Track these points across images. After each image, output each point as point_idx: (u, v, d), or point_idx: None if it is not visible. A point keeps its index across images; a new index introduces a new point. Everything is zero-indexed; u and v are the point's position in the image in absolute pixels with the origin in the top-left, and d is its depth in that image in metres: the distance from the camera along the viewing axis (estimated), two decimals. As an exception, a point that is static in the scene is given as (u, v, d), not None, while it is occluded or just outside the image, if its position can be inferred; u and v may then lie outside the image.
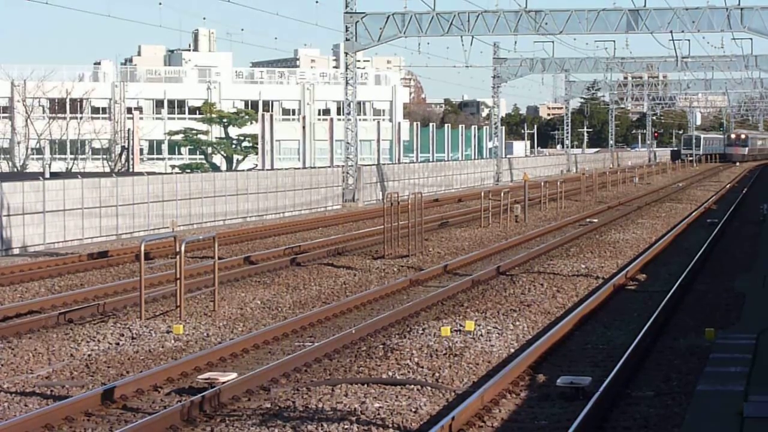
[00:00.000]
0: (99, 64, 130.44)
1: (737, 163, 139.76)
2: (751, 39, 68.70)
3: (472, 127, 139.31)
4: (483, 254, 32.03)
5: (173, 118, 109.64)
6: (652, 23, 56.35)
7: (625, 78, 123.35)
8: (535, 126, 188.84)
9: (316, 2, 60.67)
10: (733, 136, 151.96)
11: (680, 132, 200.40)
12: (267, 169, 61.26)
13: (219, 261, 23.25)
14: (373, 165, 65.56)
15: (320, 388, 15.30)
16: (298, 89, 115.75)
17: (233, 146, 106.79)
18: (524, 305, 22.38)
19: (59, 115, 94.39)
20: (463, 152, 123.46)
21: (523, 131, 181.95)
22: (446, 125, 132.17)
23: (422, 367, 16.54)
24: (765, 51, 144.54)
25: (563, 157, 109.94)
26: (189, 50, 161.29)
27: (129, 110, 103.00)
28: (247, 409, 14.34)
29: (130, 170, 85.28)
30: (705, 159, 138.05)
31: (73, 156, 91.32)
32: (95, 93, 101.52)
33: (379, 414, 13.92)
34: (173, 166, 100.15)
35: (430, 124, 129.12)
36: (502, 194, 44.99)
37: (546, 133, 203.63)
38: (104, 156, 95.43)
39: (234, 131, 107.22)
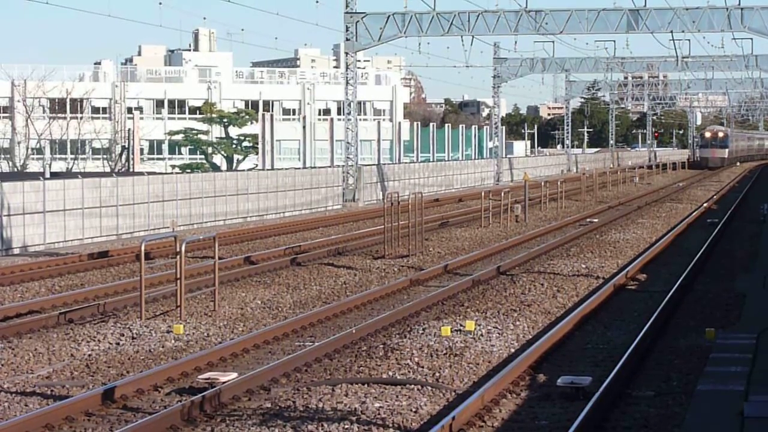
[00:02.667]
0: (99, 64, 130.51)
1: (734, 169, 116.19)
2: (751, 39, 68.72)
3: (473, 127, 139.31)
4: (483, 254, 32.03)
5: (173, 118, 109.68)
6: (652, 23, 56.33)
7: (626, 78, 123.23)
8: (536, 126, 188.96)
9: (317, 2, 60.63)
10: (707, 134, 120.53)
11: (680, 132, 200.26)
12: (267, 169, 61.29)
13: (219, 261, 23.25)
14: (374, 165, 65.55)
15: (320, 387, 15.30)
16: (298, 89, 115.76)
17: (233, 146, 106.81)
18: (524, 305, 22.39)
19: (59, 115, 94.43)
20: (464, 152, 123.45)
21: (523, 131, 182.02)
22: (446, 125, 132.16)
23: (422, 367, 16.54)
24: (765, 51, 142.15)
25: (563, 157, 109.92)
26: (189, 50, 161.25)
27: (129, 110, 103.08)
28: (248, 409, 14.34)
29: (131, 170, 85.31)
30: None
31: (73, 156, 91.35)
32: (95, 93, 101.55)
33: (379, 414, 13.92)
34: (173, 166, 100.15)
35: (431, 124, 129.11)
36: (502, 194, 44.99)
37: (546, 133, 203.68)
38: (104, 156, 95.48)
39: (234, 131, 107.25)
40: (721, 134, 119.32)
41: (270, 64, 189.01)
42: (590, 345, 18.73)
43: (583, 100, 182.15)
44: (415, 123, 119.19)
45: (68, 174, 60.35)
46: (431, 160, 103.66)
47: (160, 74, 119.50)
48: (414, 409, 14.19)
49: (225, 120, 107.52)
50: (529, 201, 47.57)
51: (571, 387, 14.84)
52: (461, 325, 19.52)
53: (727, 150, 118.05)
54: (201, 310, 21.98)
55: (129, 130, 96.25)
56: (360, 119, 67.89)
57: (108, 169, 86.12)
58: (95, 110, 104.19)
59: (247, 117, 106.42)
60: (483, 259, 31.36)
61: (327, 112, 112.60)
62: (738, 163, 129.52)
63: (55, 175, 54.88)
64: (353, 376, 16.08)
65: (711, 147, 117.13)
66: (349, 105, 57.31)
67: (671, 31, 57.37)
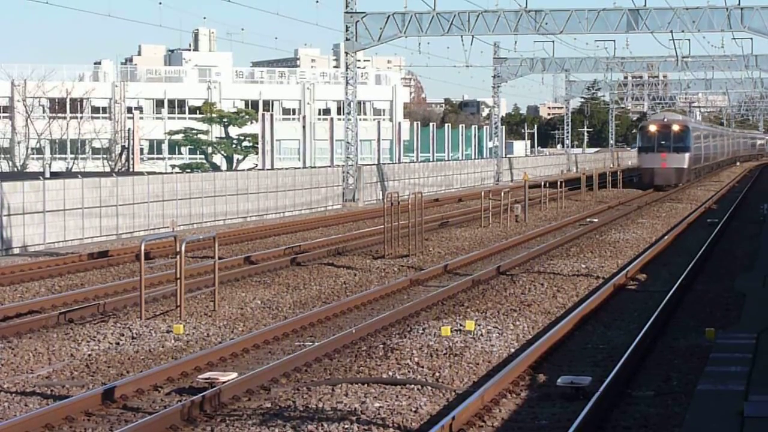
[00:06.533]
0: (99, 63, 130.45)
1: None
2: (751, 39, 68.74)
3: (473, 126, 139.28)
4: (483, 254, 32.03)
5: (173, 118, 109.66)
6: (652, 23, 56.33)
7: (625, 78, 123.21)
8: (535, 126, 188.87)
9: (317, 2, 60.66)
10: (652, 128, 71.10)
11: None
12: (267, 169, 61.26)
13: (219, 261, 23.25)
14: (374, 165, 65.54)
15: (320, 387, 15.30)
16: (298, 89, 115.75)
17: (233, 146, 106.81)
18: (524, 305, 22.39)
19: (59, 114, 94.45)
20: (464, 152, 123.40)
21: (523, 131, 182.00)
22: (446, 125, 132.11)
23: (422, 367, 16.54)
24: (765, 51, 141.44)
25: (563, 157, 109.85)
26: (189, 50, 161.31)
27: (129, 110, 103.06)
28: (248, 409, 14.34)
29: (130, 170, 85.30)
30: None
31: (73, 156, 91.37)
32: (95, 93, 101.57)
33: (379, 414, 13.92)
34: (173, 166, 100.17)
35: (431, 124, 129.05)
36: (502, 194, 44.99)
37: (546, 133, 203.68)
38: (104, 156, 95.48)
39: (234, 131, 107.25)
40: (676, 128, 70.95)
41: (270, 63, 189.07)
42: (590, 345, 18.73)
43: (583, 100, 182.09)
44: (415, 123, 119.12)
45: (68, 174, 60.33)
46: (431, 160, 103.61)
47: (160, 74, 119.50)
48: (414, 409, 14.18)
49: (225, 120, 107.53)
50: (529, 201, 47.57)
51: (570, 387, 14.84)
52: (461, 325, 19.52)
53: (687, 155, 70.89)
54: (201, 310, 21.98)
55: (129, 129, 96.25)
56: (360, 119, 67.88)
57: (108, 169, 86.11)
58: (95, 110, 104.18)
59: (247, 117, 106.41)
60: (483, 259, 31.36)
61: (327, 111, 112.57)
62: (740, 165, 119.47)
63: (55, 175, 54.88)
64: (353, 376, 16.08)
65: (659, 150, 70.02)
66: (349, 105, 57.30)
67: (671, 31, 57.37)
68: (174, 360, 17.27)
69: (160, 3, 64.35)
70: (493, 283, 26.06)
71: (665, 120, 72.41)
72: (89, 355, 17.80)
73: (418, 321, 20.70)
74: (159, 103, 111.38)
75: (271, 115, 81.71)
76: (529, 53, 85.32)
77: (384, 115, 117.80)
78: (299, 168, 62.92)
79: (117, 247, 34.09)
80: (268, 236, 38.88)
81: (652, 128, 70.97)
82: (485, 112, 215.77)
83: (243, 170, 71.19)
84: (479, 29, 57.76)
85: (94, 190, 38.23)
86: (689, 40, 71.35)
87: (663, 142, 69.93)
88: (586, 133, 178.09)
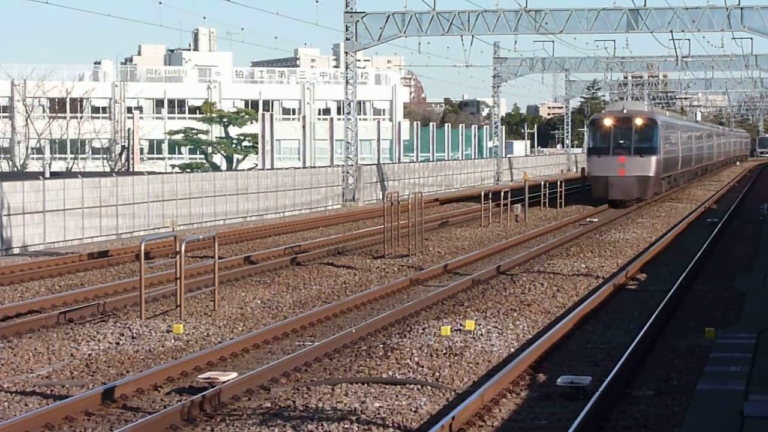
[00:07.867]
0: (99, 63, 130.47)
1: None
2: (751, 38, 68.78)
3: (472, 126, 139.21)
4: (483, 254, 32.02)
5: (173, 118, 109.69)
6: (652, 23, 56.32)
7: (626, 77, 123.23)
8: (535, 125, 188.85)
9: (316, 2, 60.66)
10: (607, 121, 52.87)
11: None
12: (267, 169, 61.25)
13: (219, 261, 23.25)
14: (373, 164, 65.53)
15: (320, 387, 15.30)
16: (298, 89, 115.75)
17: (233, 146, 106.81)
18: (524, 305, 22.38)
19: (59, 114, 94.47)
20: (463, 152, 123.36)
21: (523, 131, 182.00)
22: (446, 125, 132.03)
23: (422, 367, 16.54)
24: (765, 51, 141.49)
25: (563, 157, 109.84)
26: (189, 50, 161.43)
27: (129, 110, 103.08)
28: (248, 409, 14.34)
29: (130, 170, 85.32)
30: None
31: (73, 155, 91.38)
32: (95, 92, 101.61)
33: (379, 413, 13.91)
34: (173, 166, 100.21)
35: (430, 124, 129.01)
36: (502, 194, 44.98)
37: (546, 133, 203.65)
38: (104, 156, 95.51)
39: (234, 131, 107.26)
40: (639, 122, 53.42)
41: (270, 63, 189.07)
42: (590, 344, 18.73)
43: (583, 99, 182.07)
44: (414, 123, 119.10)
45: (68, 174, 60.32)
46: (431, 159, 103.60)
47: (160, 74, 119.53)
48: (414, 409, 14.18)
49: (225, 120, 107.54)
50: (528, 201, 47.53)
51: (571, 387, 14.84)
52: (461, 325, 19.52)
53: (654, 159, 53.59)
54: (201, 309, 21.98)
55: (129, 129, 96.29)
56: (360, 119, 67.86)
57: (108, 169, 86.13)
58: (95, 110, 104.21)
59: (247, 117, 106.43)
60: (483, 258, 31.36)
61: (327, 111, 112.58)
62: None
63: (54, 175, 54.86)
64: (353, 375, 16.08)
65: (615, 153, 52.76)
66: (349, 105, 57.29)
67: (671, 31, 57.36)
68: (174, 360, 17.27)
69: (160, 3, 64.32)
70: (493, 282, 26.05)
71: (624, 111, 53.89)
72: (89, 354, 17.80)
73: (418, 321, 20.70)
74: (159, 103, 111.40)
75: (271, 115, 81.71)
76: (529, 53, 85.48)
77: (384, 115, 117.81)
78: (299, 168, 62.90)
79: (117, 247, 34.08)
80: (268, 236, 38.88)
81: (607, 122, 53.11)
82: (485, 112, 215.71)
83: (243, 170, 71.21)
84: (479, 29, 57.74)
85: (94, 190, 38.23)
86: (689, 40, 71.59)
87: (621, 142, 52.90)
88: (585, 133, 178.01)
